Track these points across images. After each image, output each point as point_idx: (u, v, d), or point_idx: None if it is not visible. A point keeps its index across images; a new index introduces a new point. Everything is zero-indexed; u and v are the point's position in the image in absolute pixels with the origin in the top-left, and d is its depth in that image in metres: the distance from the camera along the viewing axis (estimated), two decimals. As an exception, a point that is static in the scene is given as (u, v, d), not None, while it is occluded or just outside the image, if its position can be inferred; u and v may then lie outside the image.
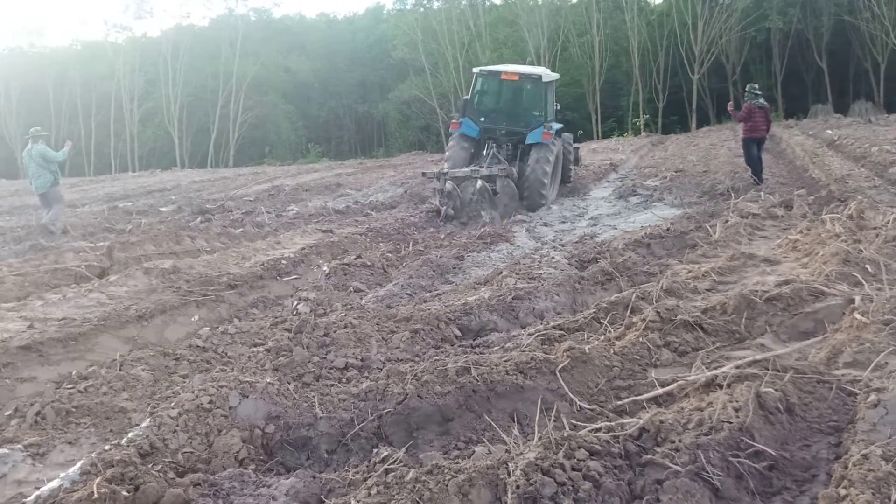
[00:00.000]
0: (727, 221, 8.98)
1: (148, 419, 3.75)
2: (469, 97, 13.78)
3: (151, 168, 39.19)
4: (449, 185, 11.53)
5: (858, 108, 34.33)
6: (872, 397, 3.41)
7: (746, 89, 13.43)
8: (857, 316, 4.64)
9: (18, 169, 35.74)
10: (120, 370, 4.87)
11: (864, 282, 5.50)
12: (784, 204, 9.99)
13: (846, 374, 4.04)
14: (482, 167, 12.14)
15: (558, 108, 14.96)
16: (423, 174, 12.78)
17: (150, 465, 3.31)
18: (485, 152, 13.06)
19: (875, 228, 7.49)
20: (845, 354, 4.26)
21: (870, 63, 39.16)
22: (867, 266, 5.94)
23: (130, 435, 3.60)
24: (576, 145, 16.03)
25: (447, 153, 13.60)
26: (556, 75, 15.14)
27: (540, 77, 13.61)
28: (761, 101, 13.08)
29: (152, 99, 46.77)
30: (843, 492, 2.65)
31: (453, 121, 13.89)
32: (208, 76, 46.67)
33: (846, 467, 2.86)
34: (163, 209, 15.00)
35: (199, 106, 46.99)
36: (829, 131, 23.38)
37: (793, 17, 39.39)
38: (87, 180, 28.87)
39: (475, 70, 14.08)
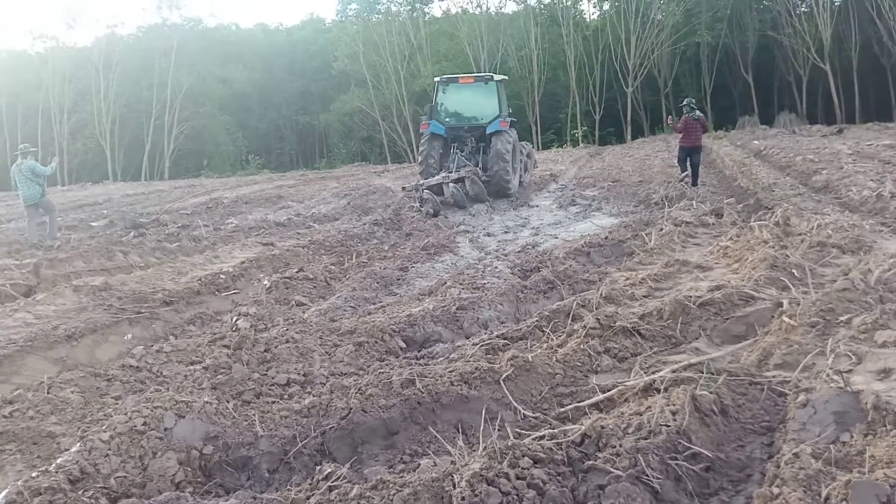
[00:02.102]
0: (662, 230, 9.23)
1: (78, 444, 3.59)
2: (433, 103, 15.79)
3: (82, 181, 37.80)
4: (426, 193, 13.52)
5: (783, 120, 35.97)
6: (801, 397, 3.55)
7: (684, 103, 14.99)
8: (786, 319, 4.82)
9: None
10: (48, 393, 4.65)
11: (791, 286, 5.72)
12: (715, 212, 10.34)
13: (776, 375, 4.18)
14: (451, 172, 14.30)
15: (510, 111, 16.50)
16: (403, 188, 15.00)
17: (80, 492, 3.16)
18: (451, 154, 15.03)
19: (800, 234, 7.82)
20: (775, 356, 4.41)
21: (793, 76, 41.18)
22: (794, 270, 6.19)
23: (59, 461, 3.44)
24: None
25: (421, 152, 15.54)
26: (504, 76, 17.59)
27: (491, 77, 16.11)
28: (696, 114, 14.56)
29: (83, 110, 45.07)
30: (776, 490, 2.73)
31: (423, 122, 15.80)
32: (142, 87, 45.31)
33: (778, 466, 2.95)
34: (94, 224, 14.46)
35: (133, 117, 45.54)
36: (756, 142, 24.43)
37: (720, 33, 41.18)
38: (13, 195, 27.45)
39: (436, 79, 16.58)
